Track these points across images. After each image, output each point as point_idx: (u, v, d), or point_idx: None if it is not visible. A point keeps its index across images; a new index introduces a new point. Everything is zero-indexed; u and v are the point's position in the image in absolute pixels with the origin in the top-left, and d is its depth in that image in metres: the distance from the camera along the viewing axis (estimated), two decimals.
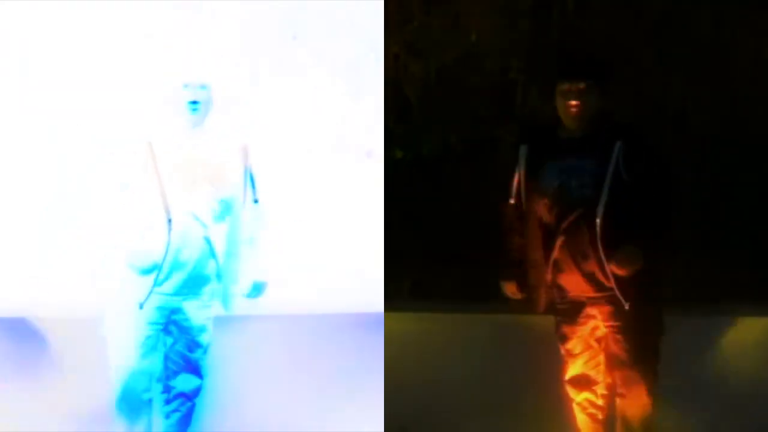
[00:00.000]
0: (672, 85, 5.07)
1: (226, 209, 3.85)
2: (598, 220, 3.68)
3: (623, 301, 3.72)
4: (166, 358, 3.90)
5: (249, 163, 3.90)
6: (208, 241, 3.83)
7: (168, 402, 3.92)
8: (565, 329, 3.84)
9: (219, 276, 3.88)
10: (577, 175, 3.74)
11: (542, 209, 3.78)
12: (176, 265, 3.81)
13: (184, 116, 3.83)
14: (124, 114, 4.16)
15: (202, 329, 3.90)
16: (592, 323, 3.81)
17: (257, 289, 3.94)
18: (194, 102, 3.81)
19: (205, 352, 3.92)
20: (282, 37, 4.34)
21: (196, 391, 3.93)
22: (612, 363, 3.82)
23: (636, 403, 3.80)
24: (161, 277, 3.79)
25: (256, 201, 3.92)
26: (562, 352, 3.85)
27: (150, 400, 3.89)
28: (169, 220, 3.77)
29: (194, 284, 3.86)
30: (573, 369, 3.85)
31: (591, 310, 3.80)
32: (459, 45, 5.22)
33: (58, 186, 4.23)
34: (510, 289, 3.91)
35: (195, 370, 3.91)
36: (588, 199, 3.71)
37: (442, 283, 4.89)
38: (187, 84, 3.82)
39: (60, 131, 4.26)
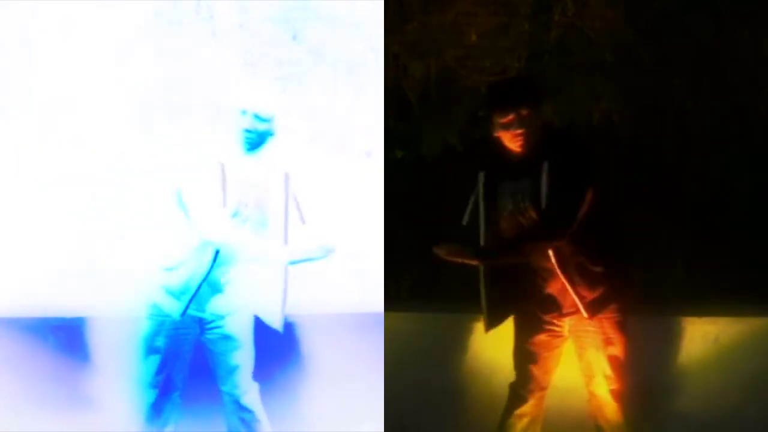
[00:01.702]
0: (672, 85, 5.07)
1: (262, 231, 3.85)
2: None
3: (584, 313, 3.78)
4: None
5: (289, 190, 3.89)
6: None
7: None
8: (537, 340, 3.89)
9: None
10: (521, 196, 3.70)
11: (503, 231, 3.75)
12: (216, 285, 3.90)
13: (239, 142, 3.84)
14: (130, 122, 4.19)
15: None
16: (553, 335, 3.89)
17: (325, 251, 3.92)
18: (249, 131, 3.82)
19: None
20: (282, 37, 4.34)
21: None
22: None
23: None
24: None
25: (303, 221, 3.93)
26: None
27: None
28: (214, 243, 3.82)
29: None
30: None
31: (555, 321, 3.87)
32: (459, 45, 5.22)
33: (65, 188, 4.24)
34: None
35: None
36: (531, 219, 3.69)
37: (442, 283, 4.89)
38: (245, 111, 3.82)
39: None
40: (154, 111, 4.24)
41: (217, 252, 3.80)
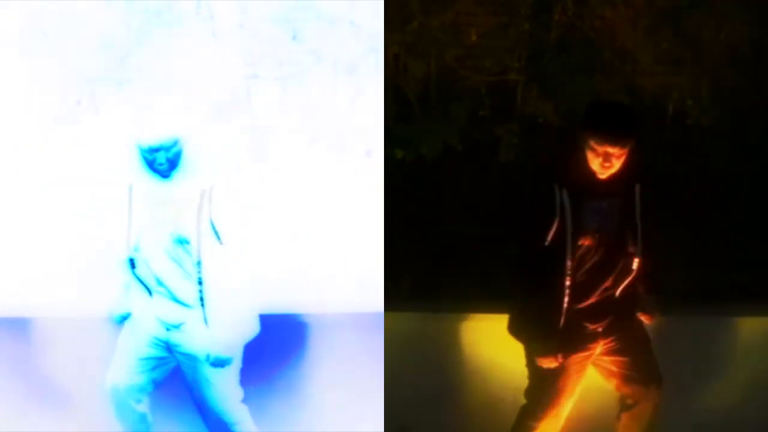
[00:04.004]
0: (672, 84, 5.08)
1: (186, 249, 3.83)
2: (636, 260, 3.65)
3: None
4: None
5: (208, 208, 3.83)
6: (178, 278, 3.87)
7: None
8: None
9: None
10: (610, 217, 3.60)
11: (580, 252, 3.60)
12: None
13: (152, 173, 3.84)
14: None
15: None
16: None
17: (219, 362, 3.88)
18: (161, 164, 3.79)
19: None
20: (282, 37, 4.34)
21: None
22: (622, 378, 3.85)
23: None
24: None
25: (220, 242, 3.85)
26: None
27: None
28: (131, 260, 3.86)
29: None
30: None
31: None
32: (459, 45, 5.23)
33: (59, 190, 4.24)
34: (551, 362, 3.67)
35: None
36: (619, 238, 3.64)
37: (442, 283, 4.89)
38: (154, 147, 3.77)
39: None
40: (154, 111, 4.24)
41: (131, 260, 3.86)
